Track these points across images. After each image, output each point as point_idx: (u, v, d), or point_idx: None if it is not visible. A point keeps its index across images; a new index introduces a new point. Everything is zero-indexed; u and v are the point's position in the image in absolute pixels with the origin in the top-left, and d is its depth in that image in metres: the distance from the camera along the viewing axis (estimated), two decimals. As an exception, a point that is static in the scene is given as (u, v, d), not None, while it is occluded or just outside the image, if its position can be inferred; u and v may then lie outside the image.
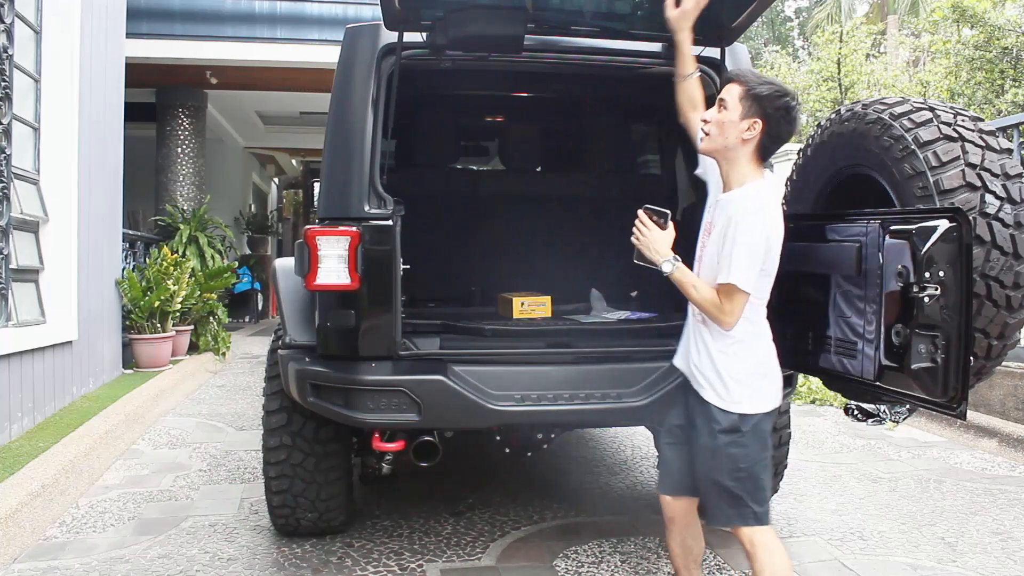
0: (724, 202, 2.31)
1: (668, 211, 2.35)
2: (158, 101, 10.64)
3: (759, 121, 2.22)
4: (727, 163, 2.30)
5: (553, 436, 3.13)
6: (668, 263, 2.27)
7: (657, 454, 3.59)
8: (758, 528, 2.28)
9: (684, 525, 2.49)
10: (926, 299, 2.12)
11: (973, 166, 2.35)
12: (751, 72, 2.34)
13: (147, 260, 8.18)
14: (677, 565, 2.55)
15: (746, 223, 2.18)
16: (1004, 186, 2.34)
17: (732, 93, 2.25)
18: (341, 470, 3.32)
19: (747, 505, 2.26)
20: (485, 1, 2.87)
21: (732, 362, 2.28)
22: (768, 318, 2.64)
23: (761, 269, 2.22)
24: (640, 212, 2.34)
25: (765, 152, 2.28)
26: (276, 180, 20.28)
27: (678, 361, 2.49)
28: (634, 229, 2.34)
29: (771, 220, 2.23)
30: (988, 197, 2.31)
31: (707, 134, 2.30)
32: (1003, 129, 5.69)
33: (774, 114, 2.22)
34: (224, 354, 8.82)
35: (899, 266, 2.23)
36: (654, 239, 2.29)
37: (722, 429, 2.26)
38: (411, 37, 2.95)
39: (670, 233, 2.32)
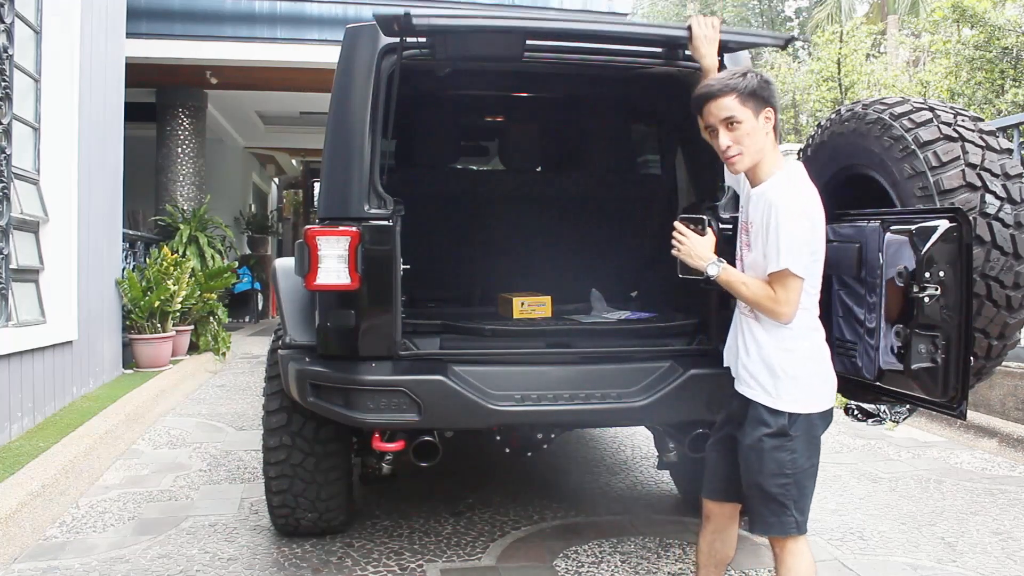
0: (759, 194, 2.23)
1: (705, 217, 2.31)
2: (158, 101, 10.65)
3: (770, 108, 2.20)
4: (759, 163, 2.24)
5: (553, 436, 3.13)
6: (713, 266, 2.22)
7: (658, 454, 3.59)
8: (795, 537, 2.21)
9: (719, 528, 2.44)
10: (926, 299, 2.12)
11: (973, 166, 2.35)
12: (722, 76, 2.27)
13: (147, 260, 8.19)
14: (700, 562, 2.51)
15: (785, 206, 2.12)
16: (1004, 186, 2.34)
17: (730, 106, 2.18)
18: (341, 470, 3.32)
19: (791, 513, 2.18)
20: (483, 25, 2.84)
21: (788, 358, 2.19)
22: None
23: (811, 251, 2.14)
24: (676, 223, 2.29)
25: (778, 131, 2.25)
26: (276, 180, 20.28)
27: (728, 360, 2.42)
28: (673, 241, 2.29)
29: (810, 199, 2.17)
30: (988, 197, 2.32)
31: (739, 154, 2.21)
32: (1003, 129, 5.70)
33: (769, 94, 2.21)
34: (224, 354, 8.82)
35: (899, 266, 2.23)
36: (695, 245, 2.25)
37: (770, 432, 2.17)
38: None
39: (710, 238, 2.28)
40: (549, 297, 3.58)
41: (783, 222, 2.10)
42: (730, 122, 2.18)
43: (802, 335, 2.20)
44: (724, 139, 2.20)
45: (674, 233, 2.29)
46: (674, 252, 2.29)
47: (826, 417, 2.24)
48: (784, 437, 2.16)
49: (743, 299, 2.22)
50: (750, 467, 2.22)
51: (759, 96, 2.18)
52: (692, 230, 2.28)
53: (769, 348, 2.21)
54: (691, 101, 2.30)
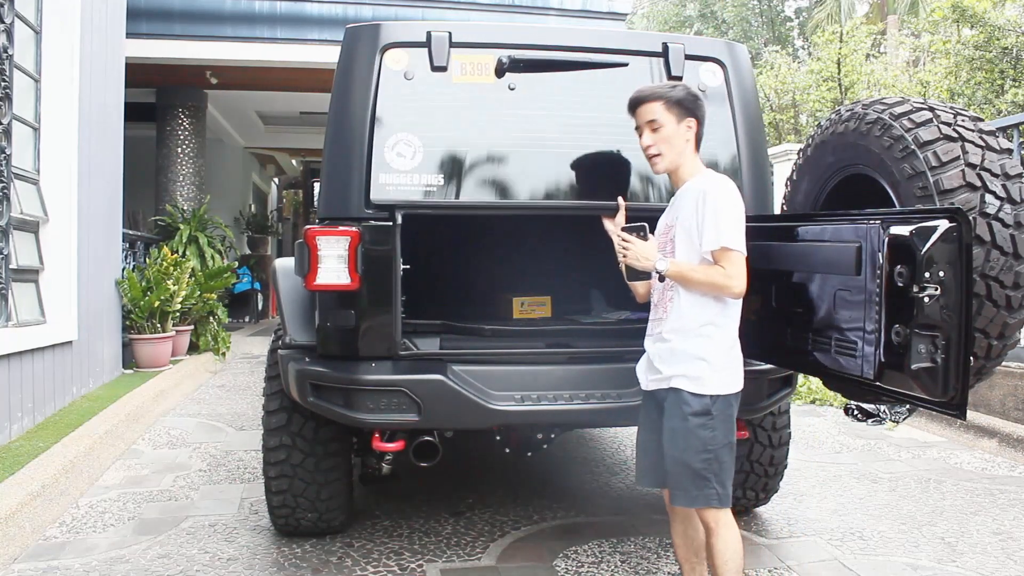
0: (685, 191, 2.46)
1: (644, 224, 2.47)
2: (158, 101, 10.64)
3: (693, 119, 2.44)
4: (679, 167, 2.48)
5: (553, 436, 3.13)
6: (661, 262, 2.38)
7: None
8: (719, 509, 2.38)
9: (685, 515, 2.55)
10: (926, 299, 2.12)
11: (973, 166, 2.35)
12: (655, 85, 2.56)
13: (147, 260, 8.18)
14: (680, 557, 2.61)
15: (719, 192, 2.36)
16: (1004, 186, 2.33)
17: (656, 110, 2.43)
18: (341, 470, 3.32)
19: (713, 486, 2.36)
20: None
21: (708, 344, 2.38)
22: (766, 316, 2.66)
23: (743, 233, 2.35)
24: (620, 232, 2.47)
25: (700, 140, 2.50)
26: (276, 180, 20.28)
27: (640, 369, 2.60)
28: (618, 249, 2.46)
29: (737, 191, 2.41)
30: (988, 197, 2.31)
31: (659, 154, 2.46)
32: (1003, 129, 5.69)
33: (695, 106, 2.45)
34: (224, 354, 8.82)
35: (899, 266, 2.23)
36: (641, 249, 2.41)
37: (693, 412, 2.36)
38: (408, 36, 2.96)
39: (652, 241, 2.46)
40: (549, 297, 3.58)
41: (719, 204, 2.33)
42: (653, 125, 2.44)
43: (721, 324, 2.40)
44: (646, 139, 2.47)
45: (619, 242, 2.45)
46: (621, 259, 2.46)
47: (738, 396, 2.44)
48: (706, 416, 2.36)
49: (696, 283, 2.38)
50: (675, 446, 2.40)
51: (683, 106, 2.43)
52: (636, 237, 2.44)
53: (687, 338, 2.40)
54: (628, 103, 2.53)
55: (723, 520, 2.39)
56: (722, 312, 2.40)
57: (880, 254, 2.31)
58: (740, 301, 2.44)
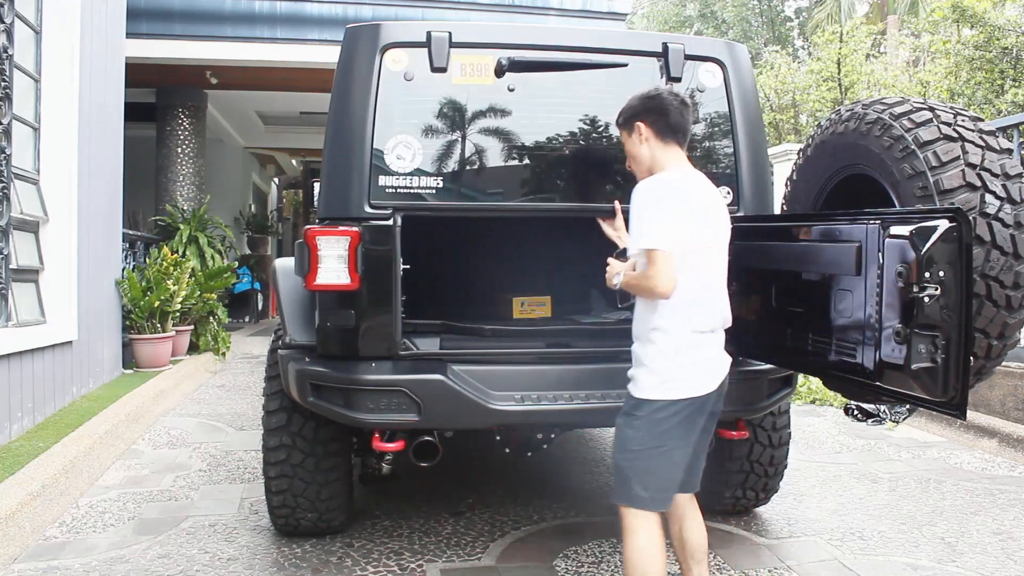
0: None
1: (625, 248, 2.58)
2: (158, 101, 10.64)
3: (637, 124, 2.48)
4: (653, 172, 2.49)
5: (553, 436, 3.13)
6: (616, 277, 2.47)
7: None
8: (639, 512, 2.35)
9: (679, 517, 2.56)
10: (926, 299, 2.12)
11: (973, 166, 2.35)
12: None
13: (147, 260, 8.19)
14: (679, 557, 2.63)
15: (641, 193, 2.35)
16: (1004, 186, 2.33)
17: (621, 136, 2.59)
18: (341, 470, 3.32)
19: (631, 486, 2.35)
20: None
21: (648, 349, 2.38)
22: (766, 316, 2.65)
23: (674, 230, 2.28)
24: (608, 260, 2.57)
25: (663, 131, 2.46)
26: (276, 180, 20.28)
27: None
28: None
29: (674, 191, 2.34)
30: (988, 197, 2.31)
31: (635, 172, 2.56)
32: (1003, 129, 5.69)
33: (639, 110, 2.48)
34: (224, 354, 8.82)
35: (899, 266, 2.23)
36: (609, 270, 2.53)
37: (625, 411, 2.43)
38: (408, 36, 2.96)
39: (630, 262, 2.51)
40: (549, 297, 3.58)
41: (638, 205, 2.35)
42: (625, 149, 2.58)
43: (666, 330, 2.36)
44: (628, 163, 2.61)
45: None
46: (608, 285, 2.54)
47: (680, 404, 2.34)
48: (631, 416, 2.40)
49: (633, 290, 2.42)
50: (614, 441, 2.49)
51: (628, 117, 2.52)
52: (619, 261, 2.55)
53: (641, 339, 2.43)
54: None
55: (636, 525, 2.34)
56: (670, 316, 2.34)
57: (880, 254, 2.31)
58: (701, 304, 2.37)
